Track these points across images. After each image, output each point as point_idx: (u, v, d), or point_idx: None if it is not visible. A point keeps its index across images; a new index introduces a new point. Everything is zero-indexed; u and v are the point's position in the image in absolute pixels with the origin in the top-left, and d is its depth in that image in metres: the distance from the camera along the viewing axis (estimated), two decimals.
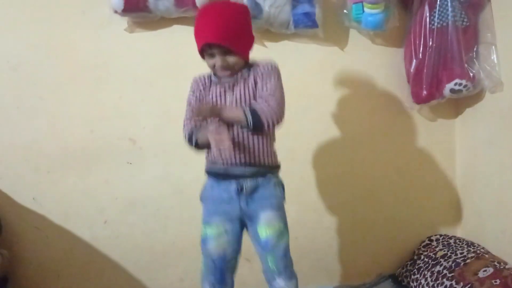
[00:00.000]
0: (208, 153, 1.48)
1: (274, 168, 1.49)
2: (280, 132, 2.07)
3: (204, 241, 1.47)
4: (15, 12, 1.95)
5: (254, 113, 1.34)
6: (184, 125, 1.48)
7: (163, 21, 1.97)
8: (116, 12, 1.87)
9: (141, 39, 2.00)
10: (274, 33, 2.02)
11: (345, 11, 2.01)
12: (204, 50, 1.39)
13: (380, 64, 2.16)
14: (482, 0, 1.97)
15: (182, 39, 1.99)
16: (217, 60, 1.38)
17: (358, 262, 2.21)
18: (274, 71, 1.44)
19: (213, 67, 1.42)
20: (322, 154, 2.13)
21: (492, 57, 1.94)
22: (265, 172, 1.44)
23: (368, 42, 2.13)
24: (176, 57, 2.01)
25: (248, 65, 1.46)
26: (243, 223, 1.47)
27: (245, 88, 1.43)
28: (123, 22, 1.96)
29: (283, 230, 1.47)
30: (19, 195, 1.98)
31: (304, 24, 1.93)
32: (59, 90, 1.98)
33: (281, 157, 2.10)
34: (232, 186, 1.42)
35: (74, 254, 2.03)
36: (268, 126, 1.36)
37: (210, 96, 1.46)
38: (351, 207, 2.18)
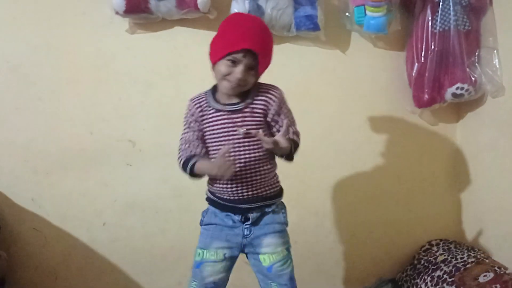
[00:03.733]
0: (211, 185, 1.43)
1: (279, 195, 1.47)
2: None
3: (199, 265, 1.41)
4: (15, 12, 1.94)
5: (296, 147, 1.38)
6: (180, 150, 1.40)
7: (164, 23, 1.96)
8: (117, 13, 1.86)
9: (142, 41, 1.98)
10: (276, 36, 2.00)
11: (347, 14, 2.01)
12: (231, 55, 1.27)
13: (382, 68, 2.15)
14: (484, 4, 1.97)
15: (183, 41, 1.99)
16: (238, 72, 1.27)
17: (358, 266, 2.20)
18: (285, 101, 1.40)
19: (224, 75, 1.30)
20: (323, 158, 2.12)
21: (494, 62, 1.94)
22: (271, 203, 1.42)
23: (370, 45, 2.13)
24: (177, 58, 2.00)
25: (249, 90, 1.37)
26: (242, 251, 1.43)
27: (251, 116, 1.35)
28: (124, 23, 1.95)
29: (287, 256, 1.44)
30: (17, 196, 1.96)
31: (306, 26, 1.92)
32: (58, 91, 1.97)
33: (281, 161, 2.10)
34: (237, 216, 1.39)
35: (72, 256, 2.02)
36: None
37: (213, 125, 1.36)
38: (351, 211, 2.17)
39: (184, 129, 1.43)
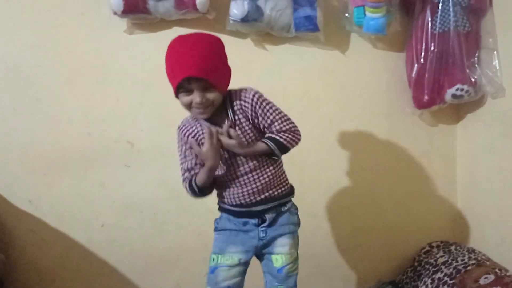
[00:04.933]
0: (221, 196, 1.44)
1: (291, 192, 1.48)
2: None
3: (213, 270, 1.40)
4: (13, 13, 1.93)
5: (280, 145, 1.34)
6: (183, 179, 1.41)
7: (162, 23, 1.95)
8: (115, 13, 1.85)
9: (141, 41, 1.98)
10: (275, 37, 2.00)
11: (346, 15, 2.00)
12: (181, 87, 1.27)
13: (381, 69, 2.14)
14: (484, 6, 1.97)
15: None
16: (196, 97, 1.26)
17: (358, 268, 2.19)
18: (261, 97, 1.35)
19: (188, 105, 1.29)
20: (322, 159, 2.12)
21: (494, 63, 1.93)
22: (285, 201, 1.44)
23: (369, 46, 2.12)
24: None
25: (224, 100, 1.36)
26: (256, 254, 1.44)
27: (240, 129, 1.34)
28: (122, 23, 1.95)
29: (297, 259, 1.45)
30: (14, 197, 1.96)
31: (305, 27, 1.92)
32: (56, 92, 1.96)
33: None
34: (253, 220, 1.40)
35: (70, 257, 2.01)
36: (294, 145, 1.39)
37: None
38: (351, 212, 2.16)
39: (181, 159, 1.42)
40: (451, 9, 1.93)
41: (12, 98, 1.94)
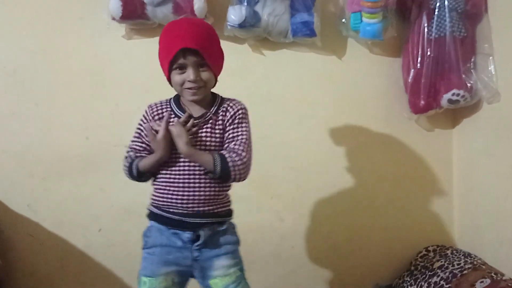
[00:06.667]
0: (156, 196, 1.34)
1: (230, 215, 1.39)
2: (277, 141, 2.08)
3: None
4: (12, 17, 1.94)
5: (224, 163, 1.23)
6: (126, 156, 1.34)
7: (161, 28, 1.91)
8: (114, 19, 1.86)
9: (139, 46, 1.99)
10: (272, 42, 2.01)
11: (343, 20, 2.01)
12: (175, 63, 1.24)
13: (378, 74, 2.15)
14: (479, 11, 1.98)
15: None
16: (190, 74, 1.23)
17: (355, 272, 2.19)
18: (245, 116, 1.33)
19: (181, 84, 1.27)
20: (319, 163, 2.12)
21: (490, 68, 1.94)
22: (223, 221, 1.34)
23: (366, 51, 2.13)
24: None
25: (214, 99, 1.35)
26: (191, 274, 1.34)
27: (212, 129, 1.31)
28: (121, 29, 1.96)
29: (241, 277, 1.34)
30: (13, 202, 1.96)
31: (303, 33, 1.93)
32: (55, 97, 1.97)
33: (277, 166, 2.10)
34: (186, 234, 1.29)
35: (68, 261, 2.01)
36: (234, 180, 1.27)
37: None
38: (348, 216, 2.17)
39: (134, 135, 1.36)
40: (447, 15, 1.94)
41: (11, 103, 1.95)
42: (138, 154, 1.33)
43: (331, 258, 2.17)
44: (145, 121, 1.35)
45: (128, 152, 1.35)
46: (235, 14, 1.86)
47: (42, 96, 1.96)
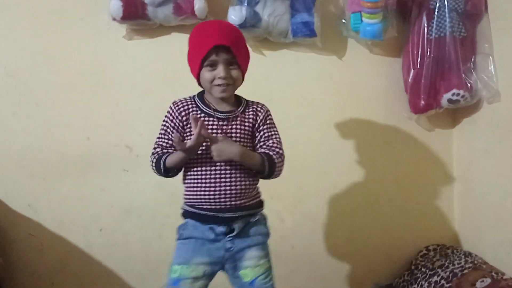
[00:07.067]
0: (189, 195, 1.37)
1: (261, 206, 1.44)
2: None
3: (176, 283, 1.33)
4: (13, 17, 1.95)
5: (271, 162, 1.32)
6: (153, 154, 1.36)
7: (161, 29, 1.97)
8: (114, 19, 1.86)
9: (140, 47, 1.99)
10: (273, 42, 2.02)
11: (343, 20, 2.01)
12: (207, 59, 1.28)
13: (378, 74, 2.16)
14: (479, 11, 1.98)
15: (180, 47, 1.98)
16: (220, 71, 1.28)
17: (355, 272, 2.20)
18: (271, 117, 1.44)
19: (211, 81, 1.30)
20: (320, 163, 2.13)
21: (490, 68, 1.94)
22: (255, 213, 1.39)
23: (366, 51, 2.14)
24: (174, 64, 1.99)
25: (238, 99, 1.42)
26: (222, 267, 1.37)
27: (241, 126, 1.35)
28: (121, 29, 1.96)
29: (270, 269, 1.39)
30: (14, 202, 1.96)
31: (303, 33, 1.93)
32: (55, 97, 1.97)
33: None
34: (220, 228, 1.32)
35: (69, 261, 2.01)
36: (276, 176, 1.37)
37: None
38: (348, 216, 2.17)
39: (160, 133, 1.38)
40: (447, 15, 1.94)
41: (11, 103, 1.95)
42: (165, 151, 1.36)
43: (331, 258, 2.17)
44: (170, 117, 1.37)
45: (155, 148, 1.38)
46: (235, 15, 1.86)
47: (42, 96, 1.96)
